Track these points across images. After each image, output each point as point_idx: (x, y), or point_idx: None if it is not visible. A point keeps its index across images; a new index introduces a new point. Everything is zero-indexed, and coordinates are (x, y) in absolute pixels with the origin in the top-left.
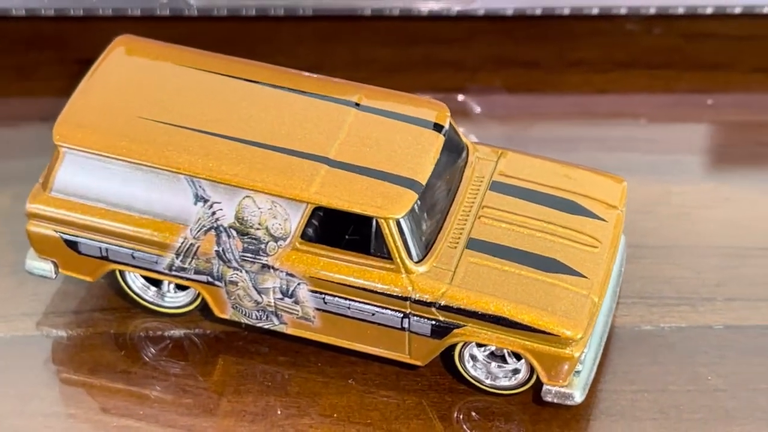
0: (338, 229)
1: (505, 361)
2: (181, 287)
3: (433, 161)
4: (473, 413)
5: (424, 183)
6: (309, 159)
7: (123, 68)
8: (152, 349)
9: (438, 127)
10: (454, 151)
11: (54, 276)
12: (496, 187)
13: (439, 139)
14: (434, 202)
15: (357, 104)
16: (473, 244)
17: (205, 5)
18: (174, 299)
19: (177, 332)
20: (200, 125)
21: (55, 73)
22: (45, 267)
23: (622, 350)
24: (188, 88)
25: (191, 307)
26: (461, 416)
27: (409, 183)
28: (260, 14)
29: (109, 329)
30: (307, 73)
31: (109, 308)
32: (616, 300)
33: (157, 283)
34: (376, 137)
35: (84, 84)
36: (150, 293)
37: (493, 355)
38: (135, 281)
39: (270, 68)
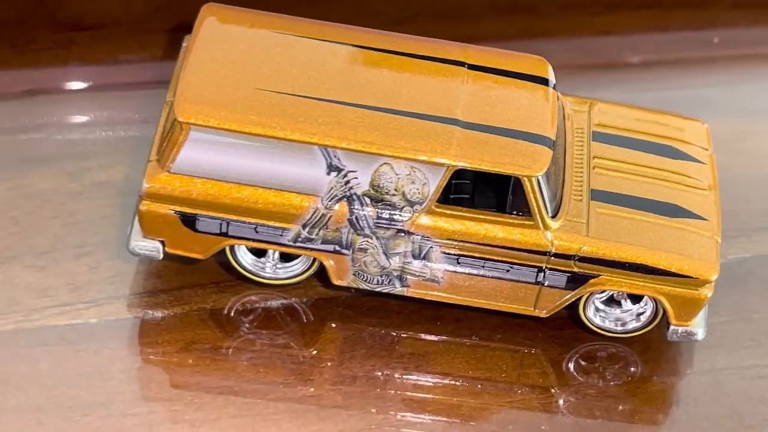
0: (467, 189)
1: (620, 305)
2: (286, 257)
3: (554, 115)
4: (582, 359)
5: (553, 138)
6: (440, 122)
7: (222, 39)
8: (249, 322)
9: (546, 81)
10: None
11: (161, 256)
12: (598, 137)
13: (552, 93)
14: (555, 156)
15: (465, 63)
16: (597, 195)
17: None
18: (290, 270)
19: (274, 303)
20: (321, 94)
21: (52, 42)
22: (153, 246)
23: None
24: (296, 56)
25: (304, 276)
26: (572, 362)
27: (540, 139)
28: None
29: (203, 305)
30: (405, 35)
31: (198, 284)
32: None
33: (260, 255)
34: (495, 95)
35: (189, 59)
36: (268, 267)
37: (611, 301)
38: (245, 257)
39: (368, 32)
